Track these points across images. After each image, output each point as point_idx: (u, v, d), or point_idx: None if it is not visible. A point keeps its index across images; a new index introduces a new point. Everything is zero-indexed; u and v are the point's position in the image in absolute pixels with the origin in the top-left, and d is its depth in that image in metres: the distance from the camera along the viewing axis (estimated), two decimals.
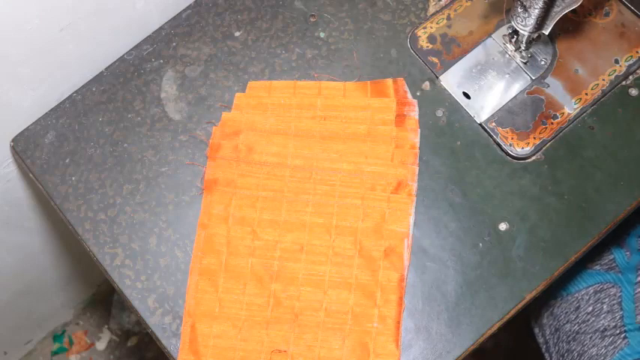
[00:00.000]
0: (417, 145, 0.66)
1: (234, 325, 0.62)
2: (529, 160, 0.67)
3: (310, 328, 0.62)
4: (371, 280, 0.62)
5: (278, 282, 0.63)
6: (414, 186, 0.65)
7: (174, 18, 0.73)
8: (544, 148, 0.67)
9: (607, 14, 0.71)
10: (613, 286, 0.75)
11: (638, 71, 0.69)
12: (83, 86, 0.71)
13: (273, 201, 0.65)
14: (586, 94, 0.69)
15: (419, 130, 0.67)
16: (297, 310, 0.62)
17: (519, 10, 0.63)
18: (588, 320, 0.76)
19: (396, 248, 0.63)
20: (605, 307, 0.75)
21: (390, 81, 0.69)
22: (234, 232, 0.65)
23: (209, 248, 0.64)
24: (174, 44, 0.72)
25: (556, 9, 0.61)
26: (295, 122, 0.68)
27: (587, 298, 0.77)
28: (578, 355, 0.76)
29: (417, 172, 0.66)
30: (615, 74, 0.69)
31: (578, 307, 0.77)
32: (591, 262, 0.78)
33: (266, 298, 0.63)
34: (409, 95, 0.69)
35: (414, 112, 0.68)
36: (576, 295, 0.78)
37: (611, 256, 0.77)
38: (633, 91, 0.69)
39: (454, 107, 0.69)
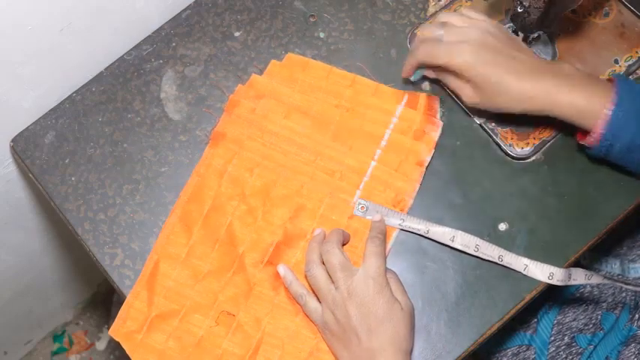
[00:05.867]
0: (426, 164, 0.66)
1: (194, 275, 0.63)
2: (529, 161, 0.67)
3: (263, 302, 0.62)
4: None
5: (248, 248, 0.64)
6: (410, 202, 0.65)
7: (174, 18, 0.73)
8: (544, 148, 0.67)
9: (606, 14, 0.71)
10: (528, 349, 0.76)
11: (637, 71, 0.69)
12: (83, 86, 0.71)
13: (271, 172, 0.66)
14: None
15: (433, 151, 0.66)
16: (256, 279, 0.63)
17: (519, 10, 0.63)
18: None
19: None
20: None
21: (423, 96, 0.68)
22: (225, 188, 0.65)
23: (196, 196, 0.65)
24: (173, 44, 0.72)
25: (556, 9, 0.61)
26: (318, 105, 0.68)
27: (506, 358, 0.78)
28: None
29: (416, 190, 0.65)
30: (615, 74, 0.69)
31: None
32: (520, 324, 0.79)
33: (232, 261, 0.63)
34: (438, 116, 0.68)
35: (435, 133, 0.67)
36: (497, 355, 0.79)
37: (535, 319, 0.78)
38: None
39: (454, 107, 0.69)
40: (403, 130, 0.67)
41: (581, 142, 0.61)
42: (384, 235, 0.62)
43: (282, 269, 0.62)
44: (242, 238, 0.64)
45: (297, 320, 0.62)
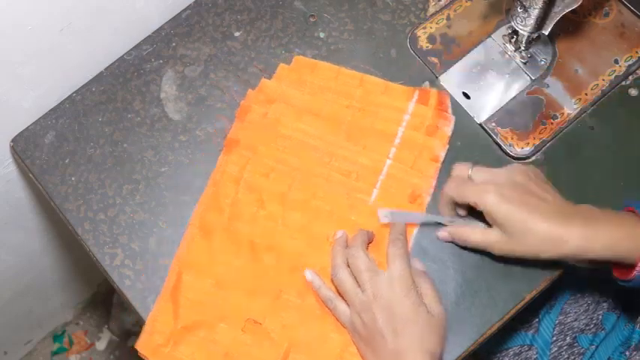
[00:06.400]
0: (441, 159, 0.66)
1: (218, 284, 0.63)
2: (529, 161, 0.67)
3: (289, 309, 0.62)
4: None
5: (272, 255, 0.63)
6: (427, 199, 0.65)
7: (174, 18, 0.73)
8: (544, 149, 0.67)
9: (606, 14, 0.71)
10: (530, 348, 0.76)
11: (637, 71, 0.69)
12: (83, 86, 0.71)
13: (286, 176, 0.66)
14: (586, 94, 0.69)
15: (447, 146, 0.66)
16: (281, 286, 0.62)
17: (519, 10, 0.63)
18: None
19: None
20: None
21: (434, 91, 0.68)
22: (242, 195, 0.65)
23: (214, 205, 0.65)
24: (173, 44, 0.72)
25: (556, 9, 0.61)
26: (329, 106, 0.68)
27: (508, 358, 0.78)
28: None
29: (433, 186, 0.65)
30: (615, 74, 0.69)
31: None
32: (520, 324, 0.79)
33: (255, 268, 0.63)
34: (450, 110, 0.68)
35: (447, 128, 0.67)
36: (499, 355, 0.79)
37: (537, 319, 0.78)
38: (633, 91, 0.69)
39: (454, 107, 0.68)
40: (416, 127, 0.67)
41: (622, 279, 0.59)
42: (404, 236, 0.62)
43: (309, 274, 0.62)
44: (265, 246, 0.64)
45: (324, 325, 0.61)
